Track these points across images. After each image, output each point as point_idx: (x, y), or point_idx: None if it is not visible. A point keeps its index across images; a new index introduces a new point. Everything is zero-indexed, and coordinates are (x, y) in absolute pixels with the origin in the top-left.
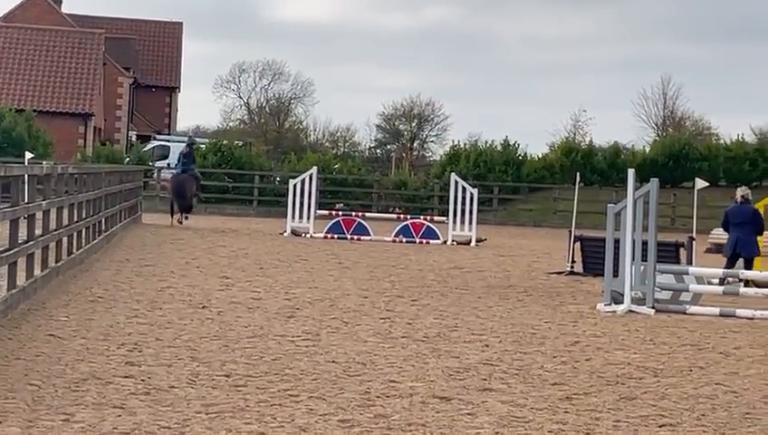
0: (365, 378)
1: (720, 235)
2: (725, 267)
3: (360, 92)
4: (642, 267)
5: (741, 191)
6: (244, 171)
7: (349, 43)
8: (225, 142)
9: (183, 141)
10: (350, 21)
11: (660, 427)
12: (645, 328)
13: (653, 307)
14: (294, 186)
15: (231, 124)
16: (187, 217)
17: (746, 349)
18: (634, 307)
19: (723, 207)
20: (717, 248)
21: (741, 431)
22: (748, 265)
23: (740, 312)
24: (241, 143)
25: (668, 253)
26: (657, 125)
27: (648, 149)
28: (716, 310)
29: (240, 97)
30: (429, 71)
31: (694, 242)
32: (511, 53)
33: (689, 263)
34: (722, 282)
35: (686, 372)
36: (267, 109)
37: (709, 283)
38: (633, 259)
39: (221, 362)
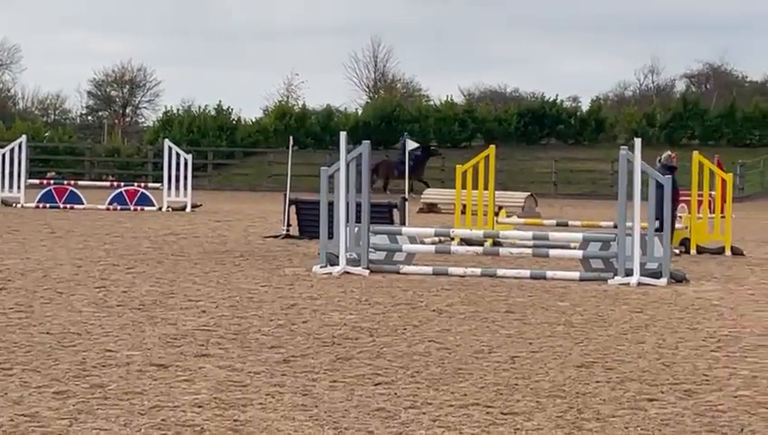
0: (80, 348)
1: (430, 195)
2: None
3: (70, 59)
4: (356, 229)
5: (663, 157)
6: None
7: (61, 8)
8: None
9: None
10: None
11: (376, 385)
12: (360, 289)
13: (368, 268)
14: (3, 155)
15: None
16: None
17: (458, 306)
18: (349, 268)
19: (433, 168)
20: (429, 208)
21: (453, 386)
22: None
23: (452, 270)
24: None
25: (382, 214)
26: (368, 87)
27: (360, 112)
28: (429, 269)
29: None
30: (144, 35)
31: (407, 203)
32: (224, 16)
33: (402, 223)
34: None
35: (401, 330)
36: None
37: (422, 242)
38: (347, 221)
39: None
